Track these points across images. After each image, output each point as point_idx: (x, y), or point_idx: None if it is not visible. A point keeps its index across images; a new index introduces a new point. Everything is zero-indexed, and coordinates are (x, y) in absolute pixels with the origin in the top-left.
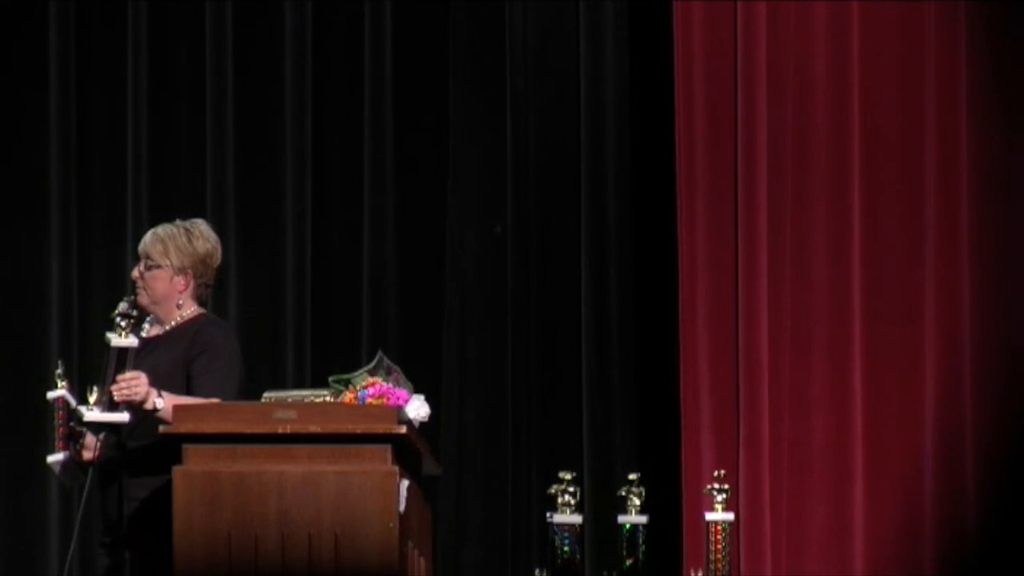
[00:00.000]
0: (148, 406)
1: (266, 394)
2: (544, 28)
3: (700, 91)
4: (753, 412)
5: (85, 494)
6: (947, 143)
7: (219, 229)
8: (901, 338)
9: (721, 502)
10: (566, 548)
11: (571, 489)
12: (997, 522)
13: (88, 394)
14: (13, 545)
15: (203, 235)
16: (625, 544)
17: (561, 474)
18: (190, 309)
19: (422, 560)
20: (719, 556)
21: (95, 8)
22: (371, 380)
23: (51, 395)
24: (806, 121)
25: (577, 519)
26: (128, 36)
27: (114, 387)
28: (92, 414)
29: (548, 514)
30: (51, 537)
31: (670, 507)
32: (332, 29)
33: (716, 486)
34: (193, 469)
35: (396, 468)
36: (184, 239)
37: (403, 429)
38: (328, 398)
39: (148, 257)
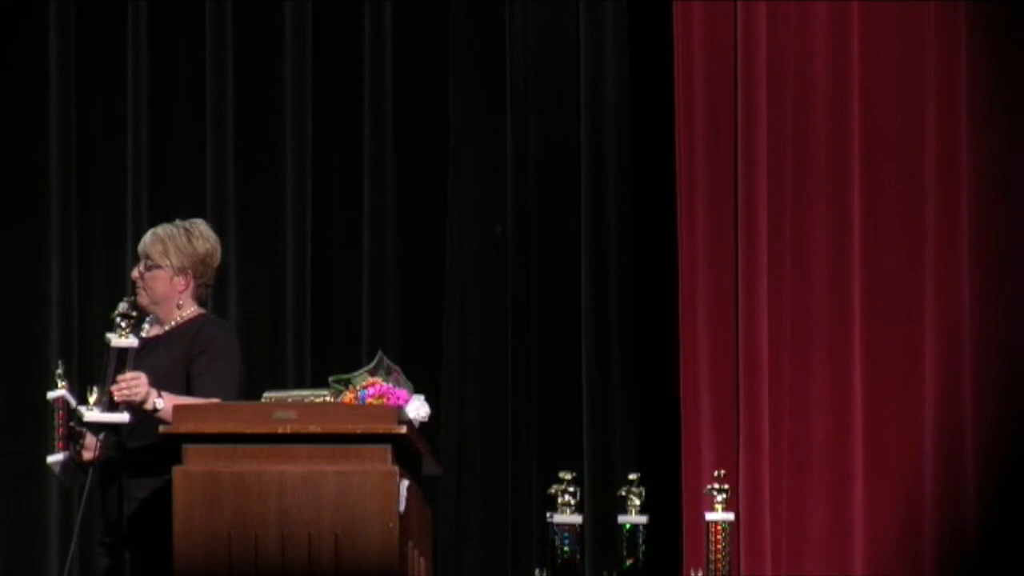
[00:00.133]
0: (148, 406)
1: (266, 394)
2: (544, 28)
3: (700, 91)
4: (753, 412)
5: (85, 494)
6: (947, 143)
7: (219, 229)
8: (901, 338)
9: (721, 502)
10: (566, 548)
11: (571, 489)
12: (997, 522)
13: (88, 394)
14: (13, 545)
15: (203, 235)
16: (625, 544)
17: (561, 474)
18: (190, 309)
19: (422, 560)
20: (719, 556)
21: (95, 8)
22: (371, 380)
23: (51, 395)
24: (806, 121)
25: (577, 519)
26: (128, 36)
27: (114, 387)
28: (92, 414)
29: (548, 514)
30: (51, 537)
31: (670, 507)
32: (332, 29)
33: (716, 486)
34: (193, 469)
35: (396, 468)
36: (184, 239)
37: (403, 429)
38: (328, 398)
39: (148, 257)
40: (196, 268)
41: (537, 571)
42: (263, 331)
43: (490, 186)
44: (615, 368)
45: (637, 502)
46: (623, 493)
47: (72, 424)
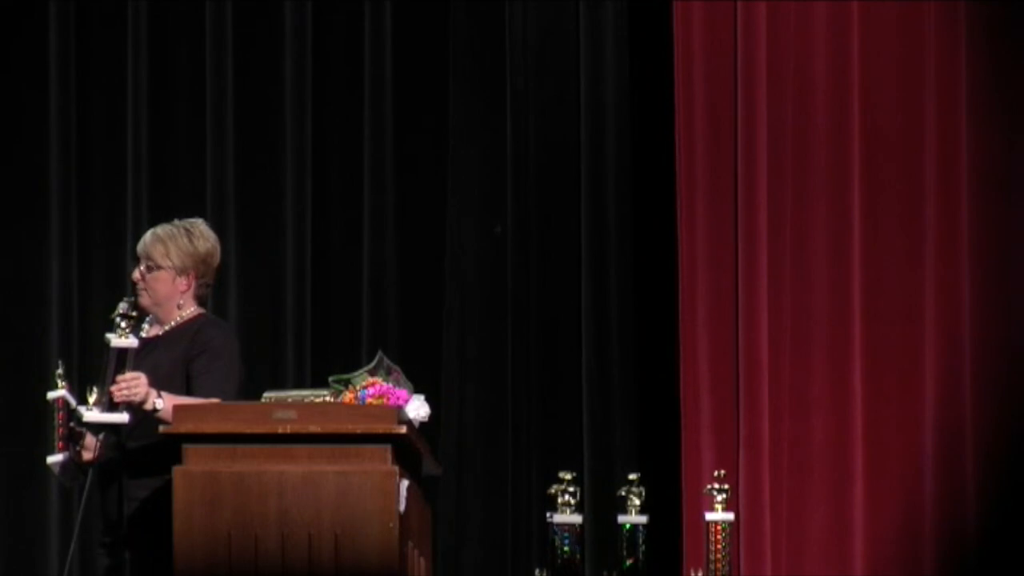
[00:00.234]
0: (148, 407)
1: (266, 394)
2: (544, 28)
3: (700, 91)
4: (753, 412)
5: (85, 494)
6: (947, 143)
7: (219, 229)
8: (901, 338)
9: (721, 502)
10: (566, 548)
11: (571, 489)
12: (997, 522)
13: (88, 394)
14: (13, 545)
15: (203, 235)
16: (625, 544)
17: (561, 474)
18: (190, 309)
19: (422, 560)
20: (719, 556)
21: (95, 8)
22: (371, 380)
23: (51, 395)
24: (806, 121)
25: (577, 519)
26: (128, 36)
27: (114, 388)
28: (92, 415)
29: (548, 514)
30: (51, 537)
31: (670, 507)
32: (332, 29)
33: (716, 486)
34: (193, 469)
35: (396, 468)
36: (185, 239)
37: (403, 429)
38: (328, 398)
39: (149, 258)
40: (198, 268)
41: (537, 571)
42: (263, 331)
43: (490, 186)
44: (615, 368)
45: (637, 502)
46: (623, 493)
47: (72, 424)
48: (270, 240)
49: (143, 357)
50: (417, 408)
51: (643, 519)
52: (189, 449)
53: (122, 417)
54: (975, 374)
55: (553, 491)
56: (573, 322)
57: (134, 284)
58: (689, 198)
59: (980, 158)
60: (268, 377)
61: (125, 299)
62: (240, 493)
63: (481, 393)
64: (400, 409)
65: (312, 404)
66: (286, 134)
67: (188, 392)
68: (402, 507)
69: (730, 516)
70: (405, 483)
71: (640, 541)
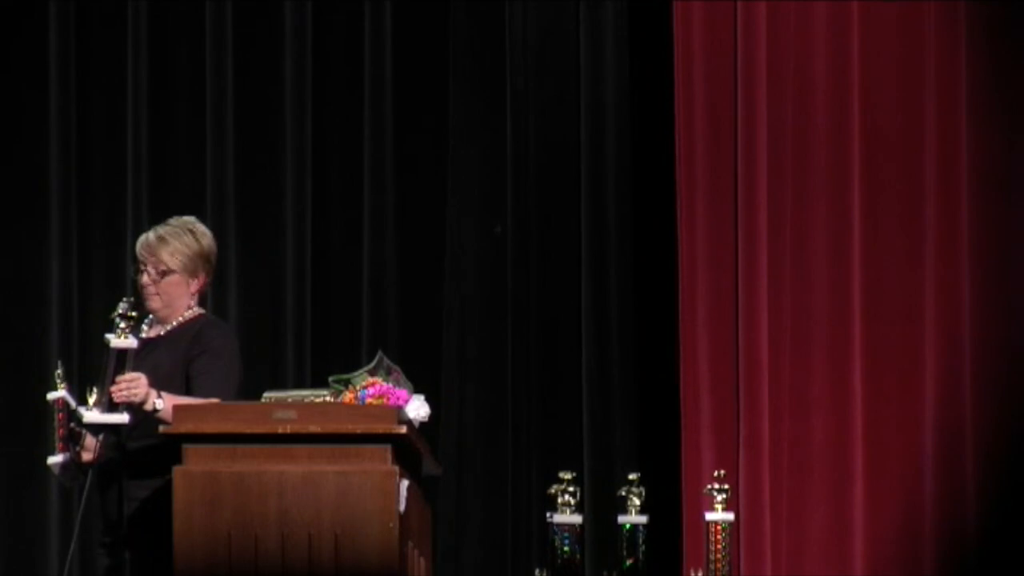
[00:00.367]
0: (148, 407)
1: (266, 394)
2: (544, 28)
3: (700, 91)
4: (753, 412)
5: (85, 494)
6: (947, 143)
7: (219, 229)
8: (901, 338)
9: (721, 502)
10: (566, 548)
11: (571, 489)
12: (997, 522)
13: (88, 395)
14: (13, 545)
15: (203, 232)
16: (625, 544)
17: (561, 474)
18: (191, 309)
19: (422, 560)
20: (719, 556)
21: (95, 8)
22: (371, 380)
23: (51, 396)
24: (806, 121)
25: (577, 519)
26: (128, 36)
27: (114, 388)
28: (92, 415)
29: (548, 514)
30: (51, 537)
31: (670, 507)
32: (332, 29)
33: (716, 486)
34: (193, 469)
35: (396, 468)
36: (190, 239)
37: (403, 429)
38: (328, 398)
39: (159, 261)
40: (205, 267)
41: (537, 571)
42: (263, 331)
43: (490, 186)
44: (615, 368)
45: (637, 502)
46: (623, 493)
47: (72, 425)
48: (270, 240)
49: (143, 357)
50: (417, 408)
51: (643, 519)
52: (189, 449)
53: (122, 417)
54: (975, 374)
55: (553, 491)
56: (573, 322)
57: (142, 288)
58: (689, 198)
59: (980, 158)
60: (268, 377)
61: (125, 299)
62: (240, 493)
63: (481, 393)
64: (400, 409)
65: (312, 404)
66: (286, 134)
67: (188, 392)
68: (402, 507)
69: (730, 516)
70: (405, 483)
71: (640, 541)
